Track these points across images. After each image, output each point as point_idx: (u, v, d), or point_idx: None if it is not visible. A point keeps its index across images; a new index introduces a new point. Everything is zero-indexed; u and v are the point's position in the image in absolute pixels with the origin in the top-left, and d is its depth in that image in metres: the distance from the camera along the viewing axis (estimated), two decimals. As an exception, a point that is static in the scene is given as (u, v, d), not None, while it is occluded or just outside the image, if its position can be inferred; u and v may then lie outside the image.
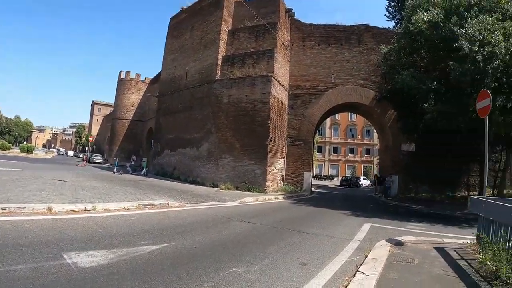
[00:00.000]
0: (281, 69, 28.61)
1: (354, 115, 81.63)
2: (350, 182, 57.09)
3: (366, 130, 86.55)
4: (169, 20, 38.53)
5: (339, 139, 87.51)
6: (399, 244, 8.98)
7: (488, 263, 6.66)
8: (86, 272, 5.27)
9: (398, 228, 13.00)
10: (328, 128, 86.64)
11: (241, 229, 10.49)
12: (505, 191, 24.98)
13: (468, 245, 8.86)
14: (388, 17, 41.53)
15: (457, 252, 8.25)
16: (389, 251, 8.06)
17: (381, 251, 8.03)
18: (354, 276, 6.06)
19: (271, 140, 25.70)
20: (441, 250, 8.40)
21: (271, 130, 25.81)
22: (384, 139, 34.31)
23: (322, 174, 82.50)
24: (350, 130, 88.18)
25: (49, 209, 9.87)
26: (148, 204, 13.35)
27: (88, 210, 10.73)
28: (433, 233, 12.31)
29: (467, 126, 21.70)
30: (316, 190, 35.77)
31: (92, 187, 17.24)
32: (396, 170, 29.05)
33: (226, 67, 28.63)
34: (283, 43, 29.38)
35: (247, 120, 26.29)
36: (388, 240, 9.35)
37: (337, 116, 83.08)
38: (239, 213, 14.31)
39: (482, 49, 18.33)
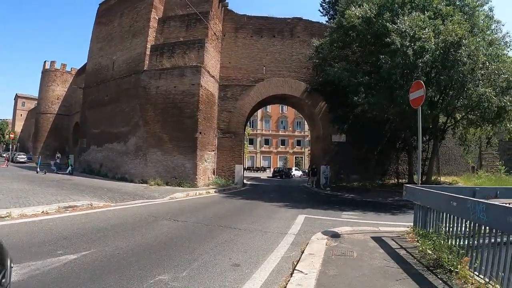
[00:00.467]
0: (212, 59, 27.80)
1: (285, 107, 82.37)
2: (282, 173, 57.24)
3: (297, 122, 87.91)
4: (98, 5, 36.00)
5: (270, 131, 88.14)
6: (335, 236, 8.61)
7: (429, 251, 6.61)
8: (-6, 296, 4.61)
9: (333, 219, 12.87)
10: (259, 120, 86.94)
11: (169, 229, 9.72)
12: (432, 178, 26.34)
13: (405, 233, 8.79)
14: (322, 12, 42.09)
15: (395, 241, 8.05)
16: (326, 245, 7.65)
17: (318, 245, 7.59)
18: (291, 275, 5.52)
19: (200, 133, 24.89)
20: (379, 240, 8.15)
21: (201, 122, 25.00)
22: (315, 130, 34.57)
23: (254, 166, 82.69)
24: (282, 122, 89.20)
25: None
26: (70, 206, 12.24)
27: (2, 217, 9.57)
28: (368, 221, 12.26)
29: (397, 118, 22.44)
30: (249, 183, 35.37)
31: (10, 190, 15.81)
32: (327, 160, 29.41)
33: (155, 57, 27.24)
34: (215, 33, 28.58)
35: (175, 112, 25.24)
36: (324, 232, 8.97)
37: (268, 108, 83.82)
38: (168, 210, 13.49)
39: (413, 44, 19.00)
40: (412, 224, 8.78)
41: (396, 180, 30.07)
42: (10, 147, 69.86)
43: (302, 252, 6.99)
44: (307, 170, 41.75)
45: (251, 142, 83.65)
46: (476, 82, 19.67)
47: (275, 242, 8.39)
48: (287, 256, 7.07)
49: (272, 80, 29.89)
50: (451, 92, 21.30)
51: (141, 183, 24.46)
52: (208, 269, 6.03)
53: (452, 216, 6.46)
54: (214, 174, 27.78)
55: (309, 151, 53.64)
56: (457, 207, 6.09)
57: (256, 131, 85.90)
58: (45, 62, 63.51)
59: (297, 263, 6.16)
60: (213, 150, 27.98)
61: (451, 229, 6.48)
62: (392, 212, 15.75)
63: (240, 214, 13.51)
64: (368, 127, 26.39)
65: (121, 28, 31.38)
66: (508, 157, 36.43)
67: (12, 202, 12.10)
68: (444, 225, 6.72)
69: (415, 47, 18.86)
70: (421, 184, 25.95)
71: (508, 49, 22.75)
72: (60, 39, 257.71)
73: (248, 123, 76.70)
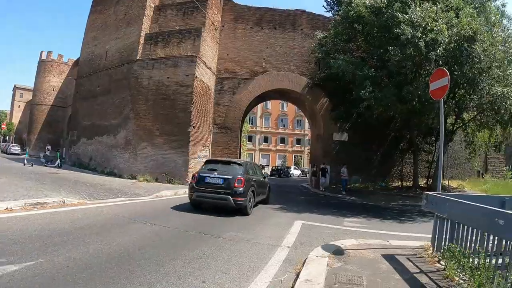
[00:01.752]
0: (209, 50, 26.22)
1: (285, 105, 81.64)
2: (281, 172, 56.69)
3: (298, 120, 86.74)
4: (94, -7, 34.10)
5: (270, 128, 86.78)
6: (339, 252, 6.98)
7: (459, 279, 5.24)
8: None
9: (334, 226, 11.25)
10: (259, 117, 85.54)
11: (141, 235, 8.06)
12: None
13: (422, 250, 7.30)
14: (326, 8, 40.19)
15: (412, 262, 6.45)
16: (328, 265, 6.03)
17: (317, 266, 5.93)
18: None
19: (193, 127, 23.31)
20: (392, 260, 6.55)
21: (194, 116, 23.40)
22: (315, 128, 32.97)
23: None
24: (282, 120, 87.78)
25: None
26: (38, 203, 10.73)
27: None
28: (374, 231, 10.76)
29: (404, 116, 21.96)
30: (246, 182, 33.85)
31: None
32: (328, 160, 27.75)
33: (149, 46, 25.63)
34: (213, 23, 26.97)
35: (168, 104, 23.65)
36: (325, 247, 7.33)
37: (268, 105, 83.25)
38: (149, 211, 11.92)
39: (425, 36, 17.74)
40: (428, 237, 7.37)
41: (400, 182, 28.54)
42: (7, 138, 68.62)
43: (297, 276, 5.45)
44: (310, 170, 39.40)
45: (250, 139, 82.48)
46: (492, 82, 18.53)
47: (264, 258, 6.78)
48: (276, 281, 5.47)
49: (271, 73, 28.25)
50: (463, 91, 20.37)
51: (130, 178, 22.86)
52: (169, 296, 4.47)
53: (497, 239, 4.93)
54: (208, 171, 26.04)
55: (309, 150, 52.29)
56: (506, 227, 4.54)
57: (256, 128, 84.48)
58: (41, 52, 62.36)
59: (288, 293, 4.64)
60: (208, 146, 26.29)
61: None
62: (399, 220, 14.22)
63: (228, 218, 11.81)
64: (371, 126, 24.93)
65: (116, 16, 29.68)
66: (515, 162, 35.39)
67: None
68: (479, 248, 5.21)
69: (427, 39, 17.58)
70: (427, 189, 24.93)
71: None
72: (59, 30, 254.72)
73: (248, 120, 76.40)
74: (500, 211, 4.80)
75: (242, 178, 12.28)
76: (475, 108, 21.86)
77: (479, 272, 4.70)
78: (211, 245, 7.57)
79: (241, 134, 31.55)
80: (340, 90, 24.30)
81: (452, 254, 5.73)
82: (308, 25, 29.26)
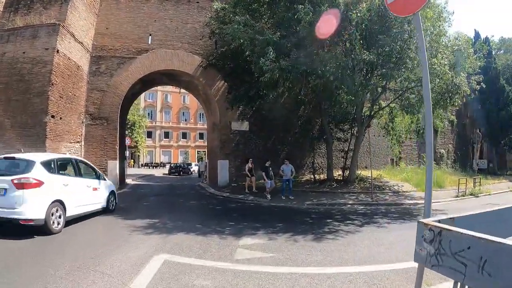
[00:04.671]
0: (82, 20, 21.78)
1: (187, 97, 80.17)
2: (181, 170, 54.35)
3: (200, 114, 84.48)
4: None
5: (171, 123, 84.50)
6: None
7: None
8: None
9: (218, 265, 6.89)
10: (159, 111, 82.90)
11: None
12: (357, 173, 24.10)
13: None
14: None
15: None
16: None
17: None
18: None
19: (53, 116, 18.63)
20: None
21: (54, 102, 18.78)
22: (211, 117, 29.73)
23: (154, 162, 77.27)
24: (183, 114, 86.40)
25: None
26: None
27: None
28: (287, 270, 6.62)
29: (318, 92, 20.11)
30: (133, 182, 29.67)
31: None
32: (226, 153, 25.07)
33: (8, 14, 20.53)
34: (90, -12, 22.61)
35: (22, 87, 18.74)
36: None
37: (169, 98, 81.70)
38: None
39: None
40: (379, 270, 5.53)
41: (312, 176, 26.00)
42: None
43: None
44: (203, 165, 36.02)
45: (150, 135, 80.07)
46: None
47: None
48: None
49: (158, 52, 24.30)
50: (383, 70, 17.66)
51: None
52: None
53: None
54: (80, 174, 21.52)
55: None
56: None
57: (155, 123, 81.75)
58: None
59: None
60: (78, 141, 21.61)
61: None
62: (319, 234, 10.26)
63: (43, 262, 6.77)
64: (276, 113, 23.09)
65: (-26, -23, 23.97)
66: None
67: None
68: None
69: None
70: (342, 179, 22.58)
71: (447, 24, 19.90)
72: None
73: (147, 115, 73.31)
74: None
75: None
76: (398, 88, 20.21)
77: None
78: None
79: (122, 126, 27.06)
80: (239, 70, 21.76)
81: None
82: (205, -3, 25.91)
